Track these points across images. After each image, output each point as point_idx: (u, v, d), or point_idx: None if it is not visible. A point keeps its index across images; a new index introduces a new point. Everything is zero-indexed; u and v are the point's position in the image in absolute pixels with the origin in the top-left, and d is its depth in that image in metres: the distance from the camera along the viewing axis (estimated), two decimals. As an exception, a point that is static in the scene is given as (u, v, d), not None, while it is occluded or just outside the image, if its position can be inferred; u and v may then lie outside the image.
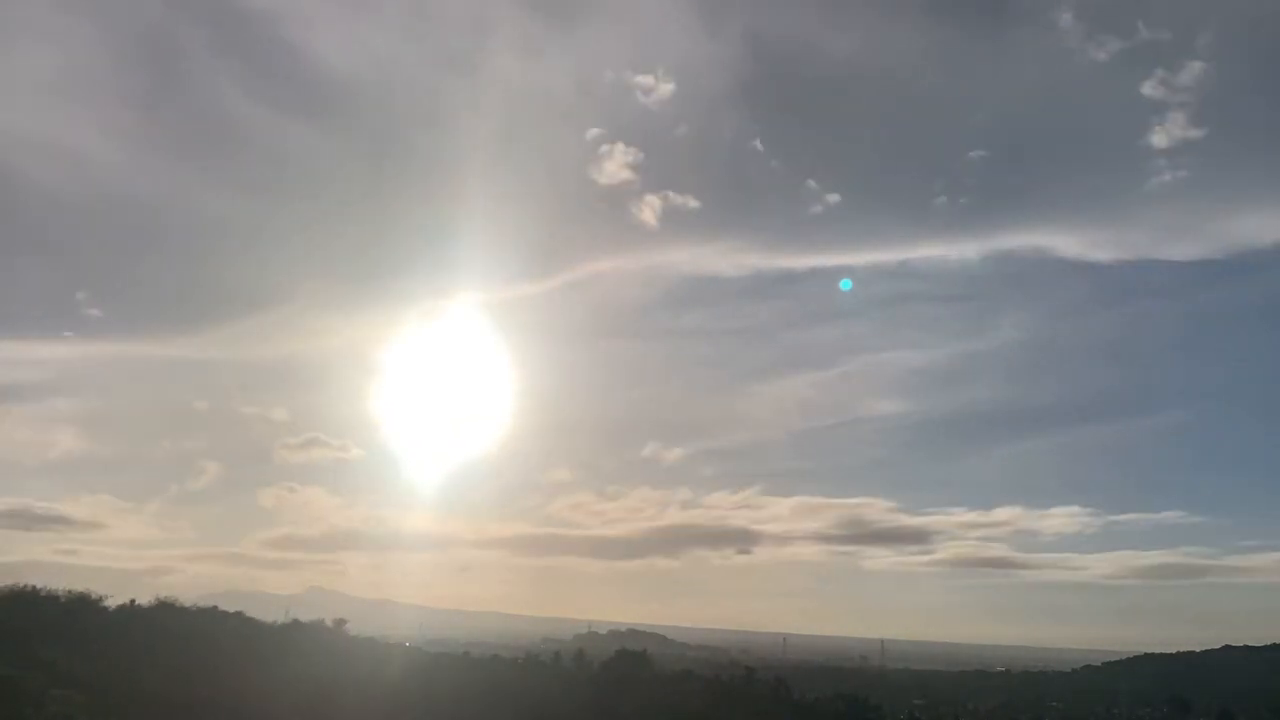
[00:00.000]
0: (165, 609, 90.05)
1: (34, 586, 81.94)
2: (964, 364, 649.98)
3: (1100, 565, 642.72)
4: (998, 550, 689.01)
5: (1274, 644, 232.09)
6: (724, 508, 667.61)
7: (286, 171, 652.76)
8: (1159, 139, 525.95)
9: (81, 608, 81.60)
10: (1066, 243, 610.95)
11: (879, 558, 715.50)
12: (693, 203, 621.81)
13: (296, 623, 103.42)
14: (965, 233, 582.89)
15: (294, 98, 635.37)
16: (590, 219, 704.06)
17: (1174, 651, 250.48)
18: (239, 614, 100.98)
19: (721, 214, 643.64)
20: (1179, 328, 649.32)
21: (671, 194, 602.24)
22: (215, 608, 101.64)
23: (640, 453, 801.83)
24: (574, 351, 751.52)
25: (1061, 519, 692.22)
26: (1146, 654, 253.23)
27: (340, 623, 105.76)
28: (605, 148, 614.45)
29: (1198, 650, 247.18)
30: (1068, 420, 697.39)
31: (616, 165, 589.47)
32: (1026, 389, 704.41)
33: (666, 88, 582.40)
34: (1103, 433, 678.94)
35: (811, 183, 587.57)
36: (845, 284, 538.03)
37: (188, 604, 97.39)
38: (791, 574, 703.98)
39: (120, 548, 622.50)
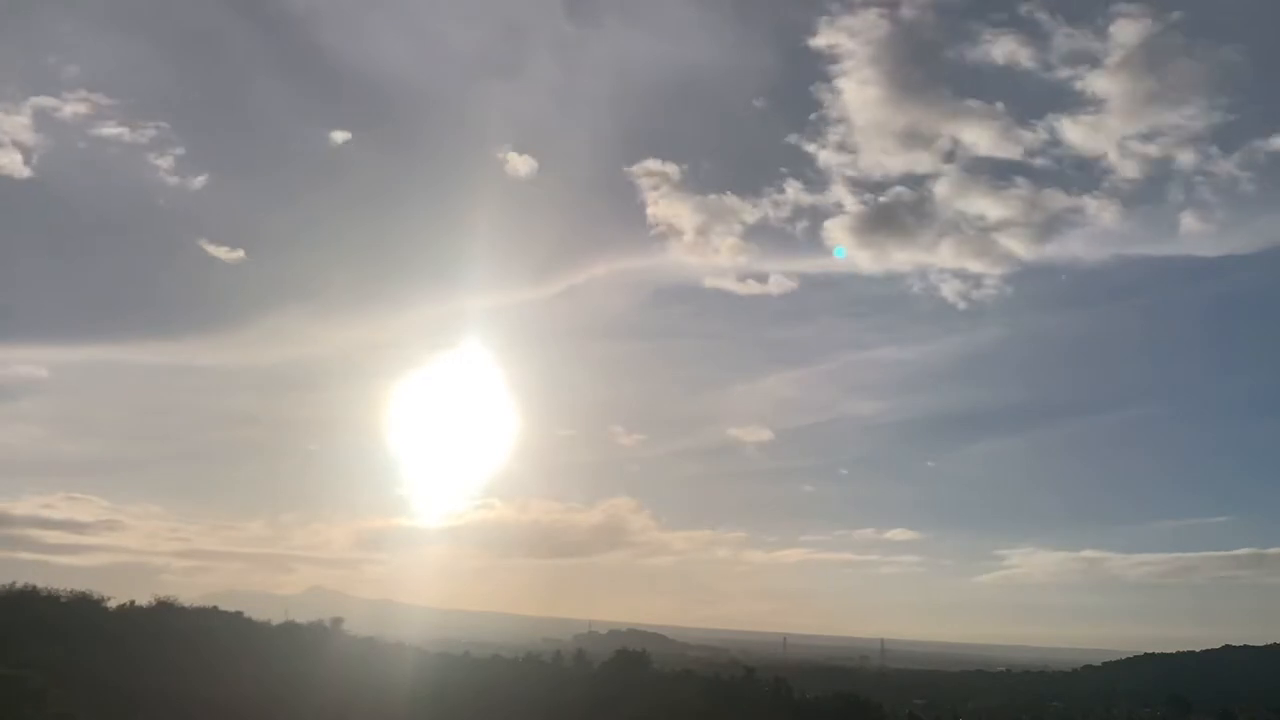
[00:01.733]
0: (165, 609, 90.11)
1: (34, 586, 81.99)
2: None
3: (1096, 564, 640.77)
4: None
5: (1274, 644, 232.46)
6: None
7: (299, 175, 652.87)
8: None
9: (81, 608, 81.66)
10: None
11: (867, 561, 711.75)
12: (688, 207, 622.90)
13: (296, 623, 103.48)
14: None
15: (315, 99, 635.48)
16: (589, 225, 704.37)
17: (1174, 651, 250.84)
18: (239, 614, 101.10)
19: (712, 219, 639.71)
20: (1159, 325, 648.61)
21: (666, 199, 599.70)
22: (215, 608, 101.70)
23: (631, 451, 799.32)
24: (574, 354, 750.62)
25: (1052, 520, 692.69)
26: (1146, 654, 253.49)
27: (338, 622, 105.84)
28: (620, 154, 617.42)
29: (1197, 650, 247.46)
30: (1053, 417, 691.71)
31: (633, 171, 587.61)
32: (1024, 387, 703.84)
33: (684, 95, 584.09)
34: (1086, 429, 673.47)
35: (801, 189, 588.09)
36: (839, 251, 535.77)
37: (188, 604, 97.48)
38: (791, 574, 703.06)
39: (120, 548, 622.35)
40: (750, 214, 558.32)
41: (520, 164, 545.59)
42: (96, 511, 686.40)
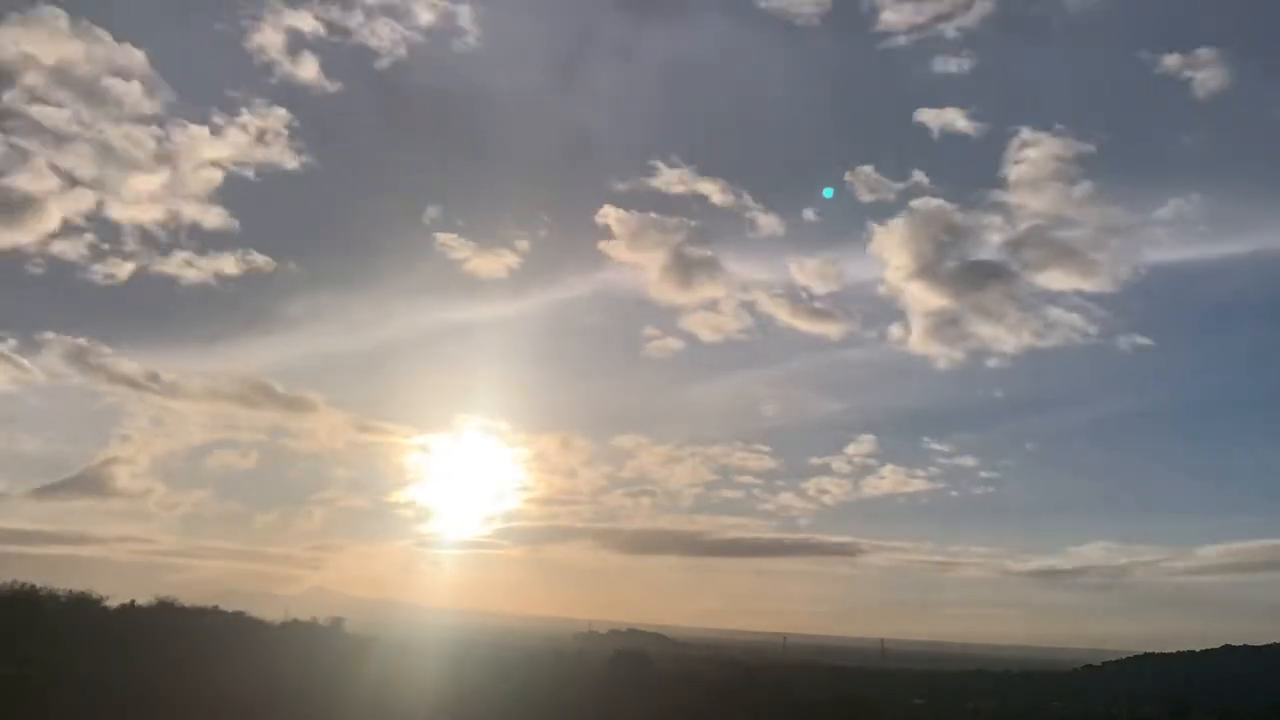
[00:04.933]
0: (166, 608, 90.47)
1: (34, 586, 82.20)
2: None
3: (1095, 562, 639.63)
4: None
5: (1274, 644, 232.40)
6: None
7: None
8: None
9: (81, 607, 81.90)
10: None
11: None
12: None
13: (296, 622, 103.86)
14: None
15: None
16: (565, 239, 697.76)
17: (1174, 651, 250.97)
18: (240, 613, 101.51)
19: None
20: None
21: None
22: (216, 607, 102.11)
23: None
24: (568, 361, 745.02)
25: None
26: (1146, 654, 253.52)
27: (338, 621, 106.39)
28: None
29: (1198, 650, 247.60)
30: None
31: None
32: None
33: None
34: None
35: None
36: (828, 192, 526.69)
37: (188, 603, 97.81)
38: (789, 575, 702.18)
39: (120, 547, 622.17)
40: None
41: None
42: (97, 509, 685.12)
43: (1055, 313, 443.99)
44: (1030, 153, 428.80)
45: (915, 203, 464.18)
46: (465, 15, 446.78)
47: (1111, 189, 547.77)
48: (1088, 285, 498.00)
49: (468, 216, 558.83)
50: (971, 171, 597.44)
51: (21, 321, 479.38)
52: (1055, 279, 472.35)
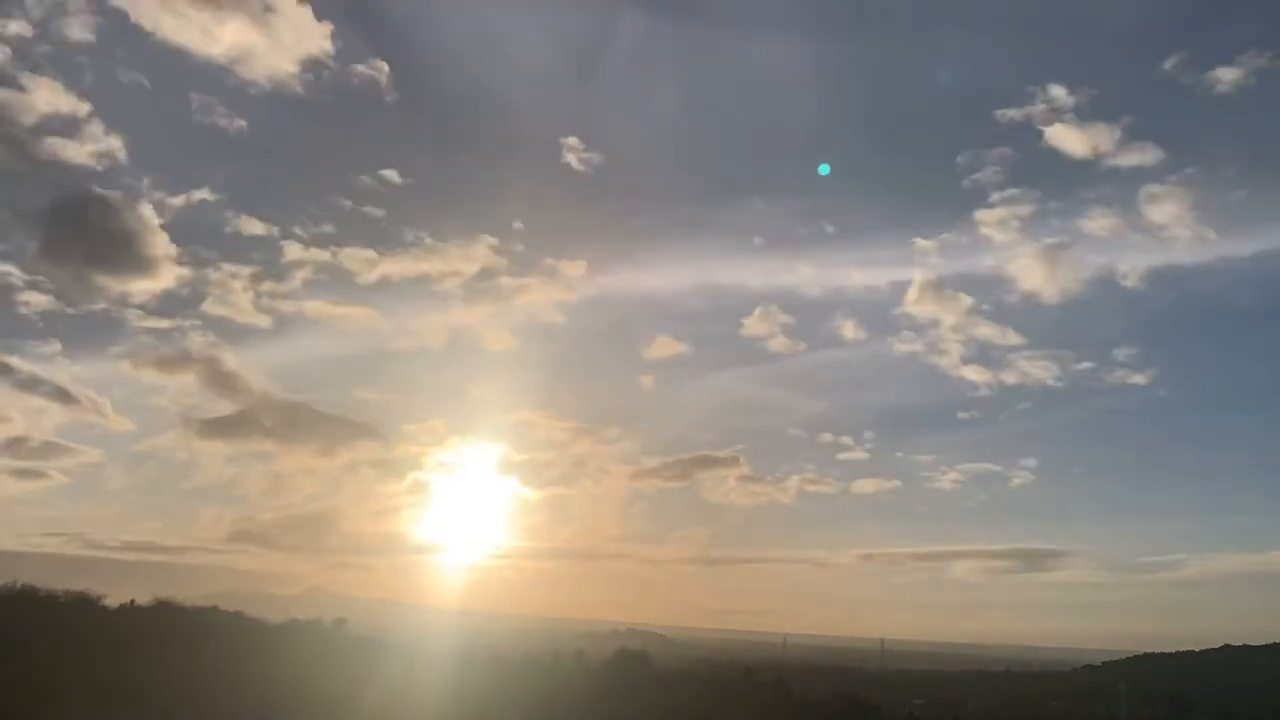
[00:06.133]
0: (165, 608, 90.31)
1: (34, 586, 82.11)
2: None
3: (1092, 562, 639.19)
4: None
5: (1274, 644, 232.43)
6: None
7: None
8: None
9: (81, 607, 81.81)
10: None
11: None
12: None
13: (296, 622, 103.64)
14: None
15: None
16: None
17: (1174, 651, 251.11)
18: (239, 614, 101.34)
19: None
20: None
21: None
22: (215, 607, 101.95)
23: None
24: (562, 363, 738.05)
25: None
26: (1146, 654, 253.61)
27: (339, 622, 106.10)
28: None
29: (1197, 650, 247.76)
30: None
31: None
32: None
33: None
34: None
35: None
36: (824, 168, 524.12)
37: (188, 604, 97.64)
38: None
39: (118, 547, 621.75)
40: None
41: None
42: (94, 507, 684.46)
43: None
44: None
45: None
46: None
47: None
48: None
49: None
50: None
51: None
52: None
